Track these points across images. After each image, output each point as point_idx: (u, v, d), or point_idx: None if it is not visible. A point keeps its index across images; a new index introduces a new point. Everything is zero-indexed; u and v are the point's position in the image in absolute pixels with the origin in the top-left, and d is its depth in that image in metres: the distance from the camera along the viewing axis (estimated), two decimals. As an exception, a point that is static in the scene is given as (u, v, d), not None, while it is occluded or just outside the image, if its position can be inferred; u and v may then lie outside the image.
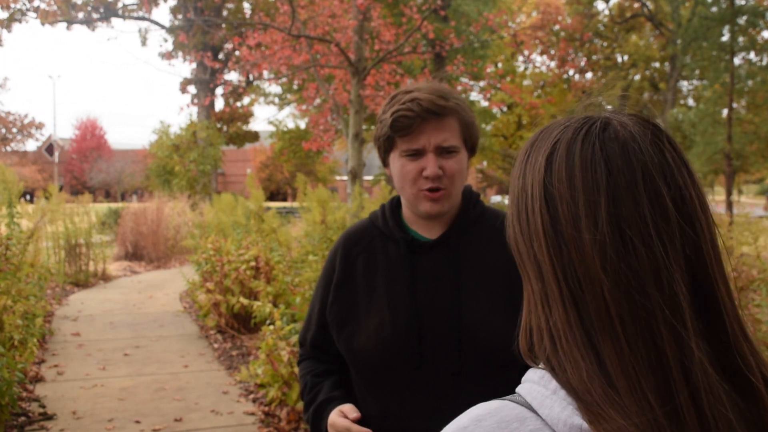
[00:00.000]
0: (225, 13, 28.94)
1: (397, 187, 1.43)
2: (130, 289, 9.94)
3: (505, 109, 30.82)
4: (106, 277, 11.03)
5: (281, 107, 29.94)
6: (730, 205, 23.62)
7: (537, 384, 0.61)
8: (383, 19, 13.84)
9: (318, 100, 15.37)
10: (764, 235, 4.09)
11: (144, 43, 27.88)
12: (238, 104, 32.62)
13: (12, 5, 24.64)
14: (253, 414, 4.39)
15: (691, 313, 0.57)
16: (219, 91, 30.32)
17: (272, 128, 31.61)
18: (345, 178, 26.52)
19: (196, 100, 27.71)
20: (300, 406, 3.91)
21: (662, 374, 0.55)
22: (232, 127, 32.50)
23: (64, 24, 25.91)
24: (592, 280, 0.57)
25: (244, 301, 5.86)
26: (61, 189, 12.09)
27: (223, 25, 22.12)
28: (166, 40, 29.36)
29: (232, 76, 46.82)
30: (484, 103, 24.67)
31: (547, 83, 33.59)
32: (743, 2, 24.95)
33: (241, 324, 6.72)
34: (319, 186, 6.65)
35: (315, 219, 5.98)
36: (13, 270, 5.08)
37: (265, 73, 16.04)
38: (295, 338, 4.23)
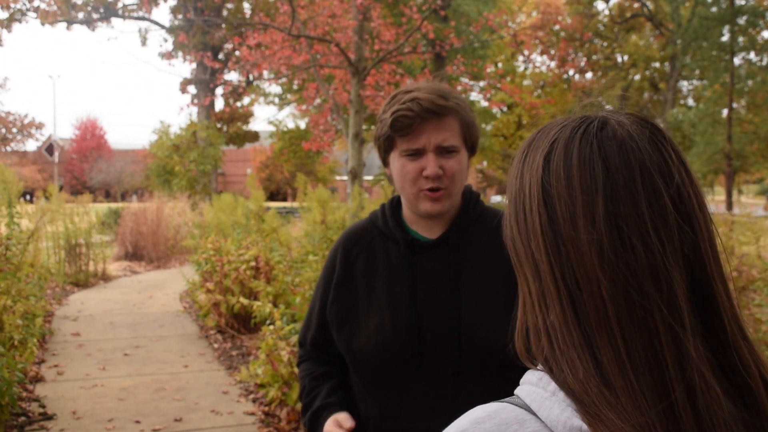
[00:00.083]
0: (225, 13, 28.95)
1: (397, 187, 1.43)
2: (130, 289, 9.94)
3: (505, 109, 30.82)
4: (106, 277, 11.03)
5: (281, 107, 29.96)
6: (730, 205, 23.62)
7: (536, 386, 0.60)
8: (383, 19, 13.84)
9: (318, 100, 15.37)
10: (766, 235, 4.08)
11: (144, 43, 27.89)
12: (238, 104, 32.62)
13: (12, 5, 24.65)
14: (253, 414, 4.39)
15: (689, 313, 0.57)
16: (219, 91, 30.34)
17: (272, 128, 31.63)
18: (345, 178, 26.51)
19: (196, 100, 27.71)
20: (300, 406, 3.91)
21: (659, 374, 0.55)
22: (232, 127, 32.50)
23: (64, 24, 25.92)
24: (590, 279, 0.57)
25: (244, 301, 5.86)
26: (61, 189, 12.10)
27: (223, 25, 22.12)
28: (166, 40, 29.38)
29: (232, 76, 46.80)
30: (484, 103, 24.68)
31: (547, 83, 33.59)
32: (743, 2, 24.94)
33: (241, 324, 6.72)
34: (319, 186, 6.65)
35: (315, 219, 5.98)
36: (13, 270, 5.08)
37: (265, 73, 16.04)
38: (295, 338, 4.23)
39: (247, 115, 32.93)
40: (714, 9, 25.37)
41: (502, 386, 1.10)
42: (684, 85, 33.56)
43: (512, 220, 0.65)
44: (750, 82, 25.37)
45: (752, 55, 26.00)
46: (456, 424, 0.61)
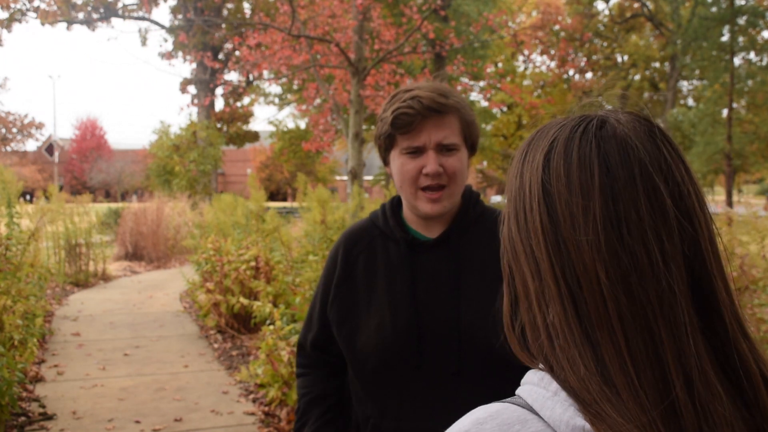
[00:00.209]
0: (225, 13, 28.95)
1: (397, 186, 1.43)
2: (130, 289, 9.94)
3: (505, 109, 30.83)
4: (106, 277, 11.03)
5: (281, 107, 29.97)
6: (730, 204, 23.62)
7: (537, 386, 0.60)
8: (383, 19, 13.84)
9: (318, 100, 15.37)
10: None
11: (144, 43, 27.89)
12: (238, 104, 32.63)
13: (12, 5, 24.65)
14: (253, 414, 4.39)
15: (689, 311, 0.57)
16: (219, 91, 30.35)
17: (272, 128, 31.64)
18: (345, 178, 26.51)
19: (196, 100, 27.72)
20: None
21: (660, 371, 0.55)
22: (232, 127, 32.51)
23: (64, 24, 25.92)
24: (590, 277, 0.57)
25: (244, 301, 5.86)
26: (61, 189, 12.10)
27: (223, 25, 22.13)
28: (166, 40, 29.38)
29: (232, 76, 46.82)
30: (484, 103, 24.69)
31: (547, 83, 33.60)
32: (743, 2, 24.94)
33: (241, 324, 6.72)
34: (319, 186, 6.65)
35: (315, 219, 5.98)
36: (13, 270, 5.08)
37: (265, 73, 16.05)
38: (295, 338, 4.23)
39: (247, 115, 32.94)
40: (714, 9, 25.37)
41: (502, 386, 1.10)
42: (684, 85, 33.58)
43: (512, 219, 0.65)
44: (750, 82, 25.37)
45: (752, 55, 26.01)
46: (458, 425, 0.61)
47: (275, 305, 5.57)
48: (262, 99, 30.35)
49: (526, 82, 32.97)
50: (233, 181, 46.00)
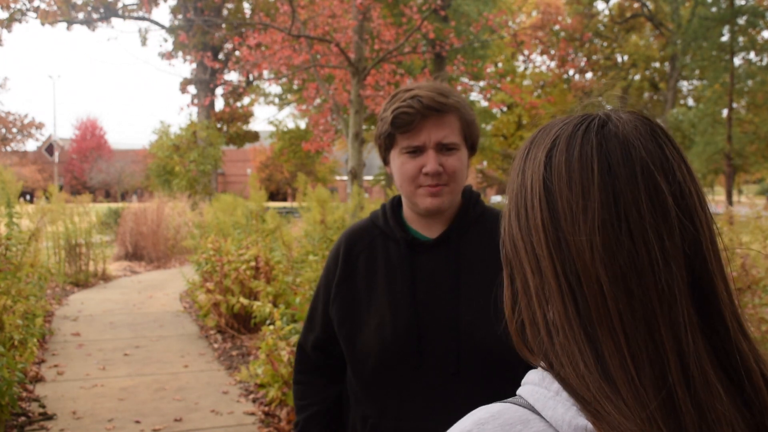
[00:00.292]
0: (225, 13, 28.95)
1: (397, 185, 1.44)
2: (130, 289, 9.94)
3: (505, 109, 30.82)
4: (106, 277, 11.03)
5: (281, 107, 29.97)
6: (730, 203, 23.61)
7: (538, 385, 0.60)
8: (383, 19, 13.84)
9: (318, 100, 15.37)
10: None
11: (144, 43, 27.89)
12: (238, 104, 32.63)
13: (12, 5, 24.65)
14: (253, 414, 4.39)
15: (689, 310, 0.57)
16: (219, 91, 30.35)
17: (272, 128, 31.64)
18: (345, 178, 26.52)
19: (196, 100, 27.73)
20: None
21: (660, 369, 0.55)
22: (232, 127, 32.51)
23: (64, 24, 25.92)
24: (591, 274, 0.58)
25: (244, 301, 5.86)
26: (61, 189, 12.10)
27: (223, 25, 22.14)
28: (166, 40, 29.39)
29: (232, 76, 46.82)
30: (484, 103, 24.68)
31: (547, 83, 33.60)
32: (743, 2, 24.94)
33: (241, 324, 6.72)
34: (319, 186, 6.65)
35: (315, 218, 5.98)
36: (14, 270, 5.08)
37: (265, 73, 16.04)
38: (295, 338, 4.23)
39: (247, 115, 32.94)
40: (714, 9, 25.37)
41: (502, 386, 1.10)
42: (684, 85, 33.57)
43: (513, 216, 0.65)
44: (750, 82, 25.37)
45: (752, 55, 26.01)
46: (459, 425, 0.61)
47: (275, 305, 5.57)
48: (262, 99, 30.36)
49: (526, 82, 32.97)
50: (233, 181, 46.00)
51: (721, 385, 0.56)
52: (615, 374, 0.55)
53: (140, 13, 27.88)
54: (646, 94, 34.05)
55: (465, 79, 17.75)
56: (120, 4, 27.01)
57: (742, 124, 25.92)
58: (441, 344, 1.36)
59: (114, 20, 41.58)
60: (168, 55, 27.87)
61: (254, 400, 4.66)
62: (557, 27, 31.86)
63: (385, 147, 1.43)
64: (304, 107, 20.28)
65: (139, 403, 4.59)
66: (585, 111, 0.66)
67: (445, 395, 1.35)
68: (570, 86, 33.40)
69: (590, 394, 0.56)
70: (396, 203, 1.51)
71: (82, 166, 43.58)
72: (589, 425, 0.55)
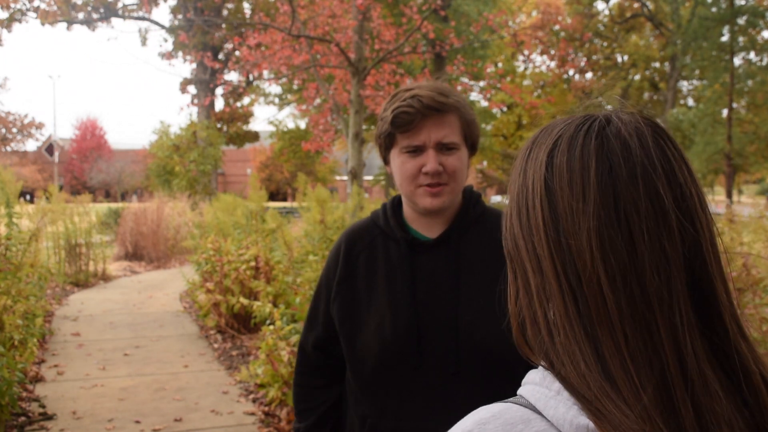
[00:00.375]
0: (225, 13, 28.95)
1: (397, 185, 1.44)
2: (130, 289, 9.94)
3: (505, 109, 30.82)
4: (106, 277, 11.03)
5: (281, 107, 29.96)
6: (729, 199, 23.64)
7: (539, 385, 0.60)
8: (383, 19, 13.84)
9: (318, 100, 15.37)
10: None
11: (144, 43, 27.89)
12: (238, 104, 32.63)
13: (12, 5, 24.65)
14: (253, 414, 4.39)
15: (688, 310, 0.57)
16: (219, 91, 30.34)
17: (272, 128, 31.64)
18: (345, 178, 26.52)
19: (196, 100, 27.72)
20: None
21: (659, 369, 0.55)
22: (232, 127, 32.50)
23: (64, 24, 25.92)
24: (591, 274, 0.58)
25: (244, 301, 5.86)
26: (61, 189, 12.10)
27: (223, 25, 22.13)
28: (166, 40, 29.38)
29: (232, 76, 46.83)
30: (484, 103, 24.67)
31: (547, 83, 33.60)
32: (743, 2, 24.94)
33: (241, 324, 6.72)
34: (318, 185, 6.64)
35: (315, 218, 5.98)
36: (14, 270, 5.08)
37: (265, 73, 16.04)
38: (295, 338, 4.23)
39: (247, 115, 32.93)
40: (714, 9, 25.38)
41: (501, 387, 1.10)
42: (684, 85, 33.58)
43: (514, 216, 0.65)
44: (750, 82, 25.39)
45: (752, 55, 26.02)
46: (460, 425, 0.61)
47: (275, 305, 5.57)
48: (262, 99, 30.36)
49: (526, 82, 32.97)
50: (233, 181, 46.00)
51: (720, 385, 0.56)
52: (615, 374, 0.55)
53: (140, 13, 27.89)
54: (646, 94, 34.05)
55: (465, 79, 17.74)
56: (120, 4, 27.01)
57: (742, 124, 25.93)
58: (441, 344, 1.36)
59: (114, 20, 41.58)
60: (168, 55, 27.87)
61: (254, 400, 4.67)
62: (557, 27, 31.87)
63: (386, 146, 1.43)
64: (304, 107, 20.29)
65: (139, 403, 4.59)
66: (586, 112, 0.67)
67: (445, 395, 1.35)
68: (570, 86, 33.40)
69: (591, 393, 0.56)
70: (397, 203, 1.50)
71: (82, 166, 43.57)
72: (591, 424, 0.55)
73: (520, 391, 0.63)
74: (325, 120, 14.75)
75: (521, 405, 0.60)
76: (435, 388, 1.36)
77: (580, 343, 0.58)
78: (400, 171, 1.39)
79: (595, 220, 0.58)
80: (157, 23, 28.80)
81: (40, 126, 43.53)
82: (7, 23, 25.03)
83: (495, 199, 29.27)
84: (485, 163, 33.08)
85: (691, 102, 33.60)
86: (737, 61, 25.77)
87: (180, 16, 28.86)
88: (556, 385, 0.59)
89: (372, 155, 30.13)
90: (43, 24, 24.55)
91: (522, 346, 0.66)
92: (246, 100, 32.37)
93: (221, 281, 6.66)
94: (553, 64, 33.30)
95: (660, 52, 32.35)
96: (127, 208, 14.57)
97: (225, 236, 7.79)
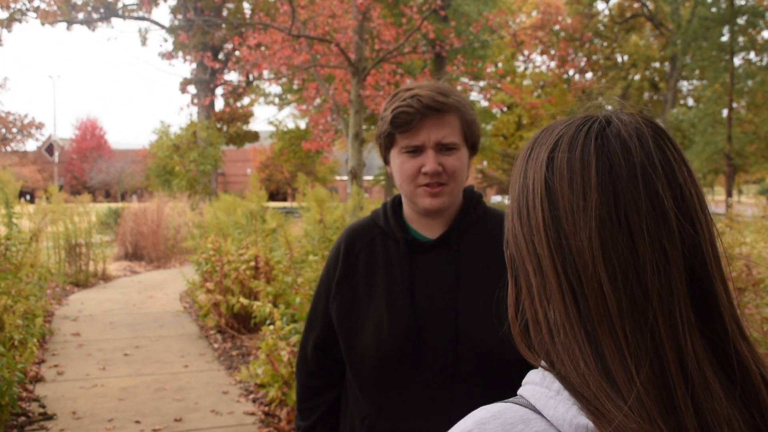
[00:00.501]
0: (225, 13, 28.95)
1: (396, 185, 1.43)
2: (130, 289, 9.94)
3: (505, 109, 30.83)
4: (106, 277, 11.03)
5: (281, 107, 29.97)
6: (730, 196, 23.66)
7: (539, 385, 0.61)
8: (383, 19, 13.84)
9: (318, 100, 15.38)
10: None
11: (144, 43, 27.90)
12: (238, 104, 32.63)
13: (12, 5, 24.65)
14: (253, 414, 4.39)
15: (688, 310, 0.57)
16: (219, 91, 30.34)
17: (272, 128, 31.64)
18: (345, 178, 26.51)
19: (196, 100, 27.73)
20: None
21: (660, 368, 0.55)
22: (232, 127, 32.51)
23: (64, 24, 25.92)
24: (591, 274, 0.58)
25: (244, 301, 5.86)
26: (61, 189, 12.12)
27: (223, 25, 22.13)
28: (166, 40, 29.39)
29: (232, 76, 46.86)
30: (484, 103, 24.68)
31: (547, 83, 33.60)
32: (743, 2, 24.95)
33: (241, 324, 6.72)
34: (317, 185, 6.64)
35: (315, 218, 5.98)
36: (14, 270, 5.08)
37: (265, 73, 16.05)
38: (295, 338, 4.23)
39: (247, 115, 32.94)
40: (714, 9, 25.38)
41: (500, 387, 1.10)
42: (684, 85, 33.59)
43: (515, 216, 0.65)
44: (750, 82, 25.39)
45: (752, 55, 26.03)
46: (460, 425, 0.61)
47: (275, 305, 5.57)
48: (262, 99, 30.37)
49: (526, 82, 32.97)
50: (233, 181, 46.00)
51: (720, 385, 0.56)
52: (615, 373, 0.56)
53: (140, 13, 27.89)
54: (646, 94, 34.06)
55: (465, 79, 17.74)
56: (120, 4, 27.01)
57: (742, 124, 25.94)
58: (439, 345, 1.36)
59: (114, 20, 41.59)
60: (168, 55, 27.88)
61: (254, 400, 4.67)
62: (557, 27, 31.86)
63: (385, 146, 1.43)
64: (304, 107, 20.29)
65: (139, 403, 4.59)
66: (587, 112, 0.67)
67: (444, 396, 1.35)
68: (570, 86, 33.39)
69: (590, 392, 0.56)
70: (397, 202, 1.50)
71: (82, 166, 43.57)
72: (590, 424, 0.55)
73: (520, 391, 0.63)
74: (325, 120, 14.75)
75: (521, 405, 0.60)
76: (434, 388, 1.35)
77: (580, 342, 0.58)
78: (400, 171, 1.39)
79: (596, 219, 0.58)
80: (157, 23, 28.80)
81: (40, 126, 43.54)
82: (7, 23, 25.03)
83: (495, 200, 29.28)
84: (485, 163, 33.09)
85: (691, 102, 33.60)
86: (737, 61, 25.77)
87: (180, 16, 28.86)
88: (556, 385, 0.59)
89: (372, 155, 30.13)
90: (43, 24, 24.56)
91: (523, 348, 0.66)
92: (246, 100, 32.38)
93: (221, 281, 6.66)
94: (553, 64, 33.30)
95: (660, 52, 32.36)
96: (127, 208, 14.57)
97: (225, 236, 7.80)
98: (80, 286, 10.15)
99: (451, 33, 14.87)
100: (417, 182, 1.37)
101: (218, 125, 30.59)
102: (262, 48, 13.12)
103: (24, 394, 4.68)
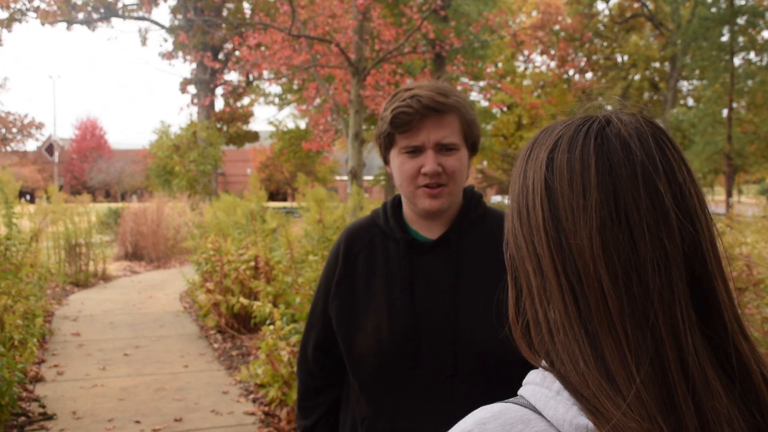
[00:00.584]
0: (225, 13, 28.95)
1: (396, 185, 1.43)
2: (130, 289, 9.94)
3: (505, 109, 30.82)
4: (106, 277, 11.03)
5: (281, 107, 29.96)
6: (730, 196, 23.67)
7: (540, 385, 0.61)
8: (383, 19, 13.84)
9: (318, 100, 15.37)
10: None
11: (144, 43, 27.90)
12: (238, 104, 32.63)
13: (12, 5, 24.65)
14: (253, 414, 4.39)
15: (689, 309, 0.57)
16: (219, 91, 30.34)
17: (272, 128, 31.64)
18: (345, 178, 26.52)
19: (196, 100, 27.73)
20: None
21: (660, 367, 0.55)
22: (232, 127, 32.51)
23: (64, 24, 25.92)
24: (591, 273, 0.58)
25: (244, 301, 5.86)
26: (61, 189, 12.12)
27: (223, 25, 22.13)
28: (166, 40, 29.39)
29: (232, 76, 46.87)
30: (484, 103, 24.68)
31: (547, 83, 33.59)
32: (743, 2, 24.95)
33: (241, 324, 6.72)
34: (316, 185, 6.64)
35: (314, 218, 5.98)
36: (14, 270, 5.08)
37: (265, 73, 16.05)
38: (295, 338, 4.23)
39: (247, 115, 32.94)
40: (714, 9, 25.38)
41: (498, 389, 1.10)
42: (684, 85, 33.58)
43: (515, 216, 0.66)
44: (750, 82, 25.39)
45: (752, 55, 26.03)
46: (460, 425, 0.61)
47: (275, 305, 5.57)
48: (262, 99, 30.36)
49: (526, 82, 32.97)
50: (233, 181, 45.99)
51: (721, 384, 0.56)
52: (615, 372, 0.56)
53: (140, 13, 27.89)
54: (646, 94, 34.06)
55: (465, 79, 17.75)
56: (120, 4, 27.01)
57: (742, 124, 25.93)
58: (439, 345, 1.35)
59: (114, 20, 41.59)
60: (168, 55, 27.87)
61: (254, 400, 4.67)
62: (557, 27, 31.86)
63: (385, 146, 1.42)
64: (304, 107, 20.28)
65: (139, 403, 4.59)
66: (587, 113, 0.67)
67: (443, 396, 1.34)
68: (570, 86, 33.40)
69: (590, 391, 0.56)
70: (397, 202, 1.50)
71: (82, 166, 43.56)
72: (590, 424, 0.55)
73: (520, 392, 0.63)
74: (325, 120, 14.76)
75: (521, 405, 0.60)
76: (433, 389, 1.35)
77: (580, 341, 0.58)
78: (400, 171, 1.39)
79: (596, 219, 0.58)
80: (157, 23, 28.81)
81: (40, 126, 43.53)
82: (7, 23, 25.03)
83: (495, 200, 29.29)
84: (485, 163, 33.09)
85: (691, 102, 33.60)
86: (737, 61, 25.77)
87: (180, 16, 28.86)
88: (556, 385, 0.59)
89: (372, 155, 30.12)
90: (43, 24, 24.56)
91: (523, 346, 0.66)
92: (246, 100, 32.38)
93: (221, 281, 6.66)
94: (553, 64, 33.30)
95: (660, 52, 32.36)
96: (127, 208, 14.57)
97: (225, 236, 7.80)
98: (80, 286, 10.15)
99: (451, 33, 14.87)
100: (417, 183, 1.37)
101: (218, 125, 30.59)
102: (262, 48, 13.13)
103: (24, 394, 4.68)
